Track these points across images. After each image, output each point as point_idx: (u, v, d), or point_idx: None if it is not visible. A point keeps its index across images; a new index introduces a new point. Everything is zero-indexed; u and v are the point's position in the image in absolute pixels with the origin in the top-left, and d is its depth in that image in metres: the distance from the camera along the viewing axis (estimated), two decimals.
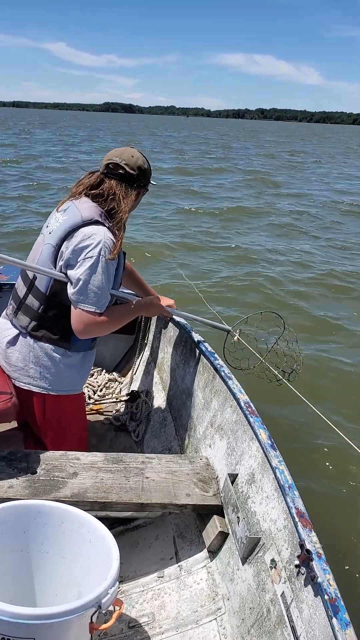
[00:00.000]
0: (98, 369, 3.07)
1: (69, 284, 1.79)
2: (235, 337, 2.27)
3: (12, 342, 1.90)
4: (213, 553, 1.66)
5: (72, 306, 1.79)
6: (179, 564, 1.72)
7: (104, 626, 1.22)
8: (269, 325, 2.47)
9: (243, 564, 1.48)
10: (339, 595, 1.10)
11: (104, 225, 1.80)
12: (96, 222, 1.79)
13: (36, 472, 1.70)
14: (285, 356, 2.34)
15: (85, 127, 56.45)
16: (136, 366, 2.91)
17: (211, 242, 8.54)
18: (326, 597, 1.09)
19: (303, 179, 18.66)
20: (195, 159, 24.09)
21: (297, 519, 1.26)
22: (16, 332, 1.91)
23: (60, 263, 1.80)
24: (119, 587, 1.56)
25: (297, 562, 1.21)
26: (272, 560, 1.35)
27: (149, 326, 2.90)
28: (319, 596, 1.12)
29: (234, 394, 1.81)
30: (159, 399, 2.52)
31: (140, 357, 2.91)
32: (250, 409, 1.70)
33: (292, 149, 37.99)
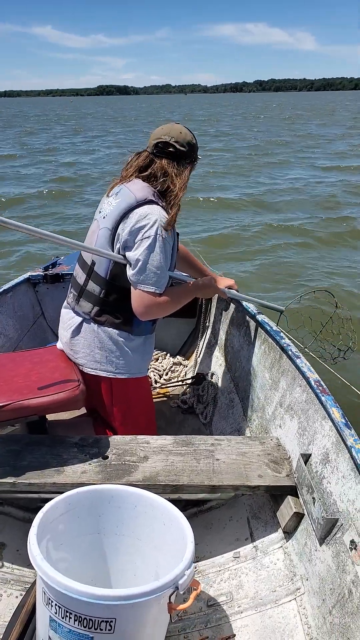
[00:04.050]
0: (162, 353, 3.09)
1: (127, 265, 1.80)
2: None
3: (77, 329, 1.94)
4: (289, 534, 1.63)
5: (132, 288, 1.80)
6: (254, 544, 1.70)
7: (182, 606, 1.22)
8: (322, 304, 2.40)
9: (321, 545, 1.44)
10: None
11: (158, 205, 1.79)
12: (150, 202, 1.78)
13: (107, 457, 1.73)
14: (340, 335, 2.30)
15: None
16: (200, 349, 2.89)
17: None
18: None
19: None
20: None
21: None
22: (80, 319, 1.94)
23: (117, 246, 1.81)
24: (195, 568, 1.57)
25: None
26: (352, 542, 1.29)
27: (210, 308, 2.87)
28: None
29: (303, 373, 1.74)
30: (225, 381, 2.49)
31: (203, 340, 2.89)
32: (321, 388, 1.63)
33: None
